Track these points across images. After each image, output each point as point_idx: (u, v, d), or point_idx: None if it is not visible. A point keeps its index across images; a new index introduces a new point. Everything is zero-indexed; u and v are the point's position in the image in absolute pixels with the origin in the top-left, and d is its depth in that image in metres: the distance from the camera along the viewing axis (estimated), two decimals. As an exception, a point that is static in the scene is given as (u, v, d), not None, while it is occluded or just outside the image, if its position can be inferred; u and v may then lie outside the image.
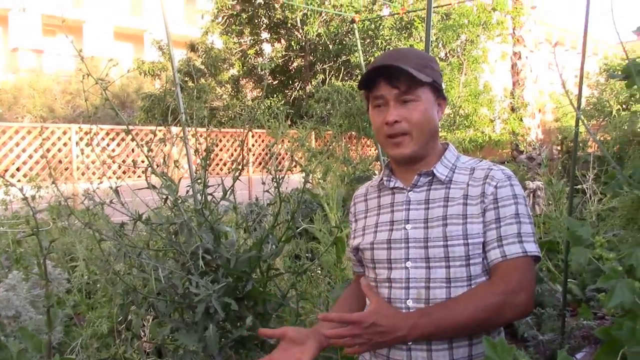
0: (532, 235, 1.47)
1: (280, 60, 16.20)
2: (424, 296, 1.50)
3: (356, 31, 4.97)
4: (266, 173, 2.37)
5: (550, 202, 6.57)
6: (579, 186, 5.75)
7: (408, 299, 1.51)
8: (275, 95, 15.83)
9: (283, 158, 2.77)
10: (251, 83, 17.14)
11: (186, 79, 14.67)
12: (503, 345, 0.68)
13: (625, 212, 3.62)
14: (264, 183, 2.48)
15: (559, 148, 11.36)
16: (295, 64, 16.79)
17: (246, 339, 2.23)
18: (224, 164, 11.80)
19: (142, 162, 2.29)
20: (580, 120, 3.37)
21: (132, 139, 2.32)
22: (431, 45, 14.03)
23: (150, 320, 2.73)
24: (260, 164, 12.48)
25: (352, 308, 1.75)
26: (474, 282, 1.49)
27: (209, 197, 2.35)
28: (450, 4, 12.57)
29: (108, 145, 10.34)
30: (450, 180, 1.59)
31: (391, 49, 11.89)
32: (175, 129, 2.93)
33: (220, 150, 11.92)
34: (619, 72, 1.39)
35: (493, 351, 0.67)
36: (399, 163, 1.65)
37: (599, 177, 5.74)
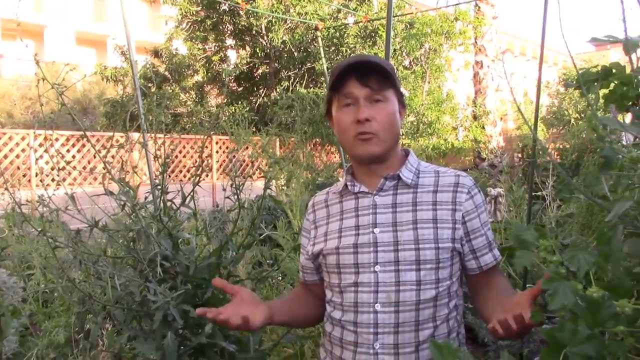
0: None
1: (244, 67, 16.14)
2: (393, 299, 1.49)
3: (319, 39, 4.96)
4: (228, 179, 2.36)
5: (511, 209, 6.66)
6: (539, 193, 5.85)
7: (377, 302, 1.50)
8: (240, 102, 15.76)
9: (247, 165, 2.76)
10: (215, 89, 17.05)
11: (149, 84, 14.53)
12: (448, 347, 0.69)
13: (580, 218, 3.70)
14: (224, 189, 2.47)
15: (519, 155, 11.55)
16: (260, 71, 16.76)
17: (205, 347, 2.21)
18: (188, 171, 11.71)
19: (104, 168, 2.26)
20: (536, 129, 3.43)
21: (93, 145, 2.29)
22: (395, 53, 14.13)
23: (109, 329, 2.68)
24: (224, 170, 12.41)
25: (295, 312, 1.75)
26: (441, 285, 1.52)
27: (169, 204, 2.33)
28: (411, 13, 12.71)
29: (68, 151, 10.17)
30: (416, 185, 1.60)
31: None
32: (136, 135, 2.89)
33: (184, 157, 11.83)
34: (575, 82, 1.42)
35: (439, 353, 0.68)
36: (363, 164, 1.64)
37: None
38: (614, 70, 1.16)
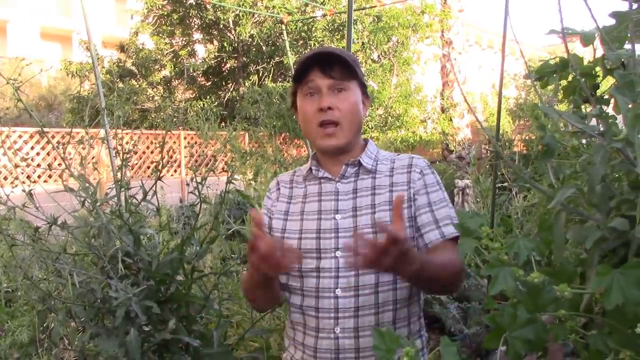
0: (456, 218, 1.57)
1: (213, 62, 16.01)
2: (353, 284, 1.52)
3: (284, 32, 4.94)
4: (196, 174, 2.35)
5: (479, 200, 6.76)
6: (505, 184, 5.93)
7: (337, 288, 1.52)
8: (208, 97, 15.64)
9: (210, 159, 2.75)
10: (183, 84, 16.89)
11: (116, 80, 14.33)
12: (390, 334, 0.70)
13: (542, 207, 3.76)
14: (188, 184, 2.46)
15: (487, 147, 11.68)
16: (228, 65, 16.63)
17: (170, 343, 2.20)
18: (156, 167, 11.56)
19: (63, 164, 2.23)
20: (499, 120, 3.48)
21: (51, 142, 2.25)
22: (364, 47, 14.12)
23: (72, 327, 2.66)
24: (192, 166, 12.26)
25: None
26: None
27: (131, 199, 2.30)
28: (375, 5, 12.75)
29: (32, 148, 10.01)
30: (375, 170, 1.64)
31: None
32: (102, 131, 2.86)
33: (152, 152, 11.69)
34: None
35: (381, 340, 0.69)
36: (327, 154, 1.66)
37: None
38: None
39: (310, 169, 1.69)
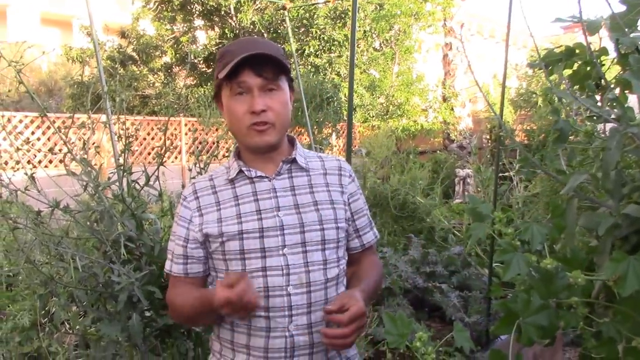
0: None
1: (214, 48, 15.95)
2: (304, 280, 1.54)
3: (287, 19, 4.86)
4: (198, 160, 2.34)
5: (479, 189, 6.76)
6: (507, 173, 5.93)
7: (289, 285, 1.52)
8: (209, 84, 15.59)
9: (211, 146, 2.73)
10: (184, 71, 16.83)
11: (117, 65, 14.27)
12: (402, 319, 0.69)
13: (545, 197, 3.76)
14: (190, 170, 2.46)
15: (488, 137, 11.68)
16: (229, 52, 16.54)
17: (171, 328, 2.20)
18: (158, 152, 11.52)
19: (65, 149, 2.22)
20: (502, 110, 3.47)
21: (52, 125, 2.24)
22: (365, 35, 14.04)
23: (74, 311, 2.66)
24: (193, 152, 12.26)
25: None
26: (340, 263, 1.62)
27: (133, 184, 2.30)
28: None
29: (33, 133, 9.99)
30: (308, 168, 1.66)
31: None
32: (103, 117, 2.84)
33: (152, 138, 11.67)
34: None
35: (393, 325, 0.68)
36: (258, 153, 1.62)
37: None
38: (577, 51, 1.17)
39: (241, 170, 1.63)
